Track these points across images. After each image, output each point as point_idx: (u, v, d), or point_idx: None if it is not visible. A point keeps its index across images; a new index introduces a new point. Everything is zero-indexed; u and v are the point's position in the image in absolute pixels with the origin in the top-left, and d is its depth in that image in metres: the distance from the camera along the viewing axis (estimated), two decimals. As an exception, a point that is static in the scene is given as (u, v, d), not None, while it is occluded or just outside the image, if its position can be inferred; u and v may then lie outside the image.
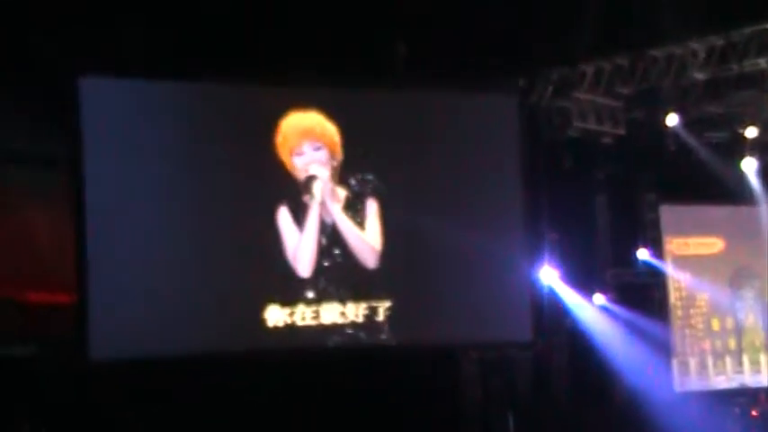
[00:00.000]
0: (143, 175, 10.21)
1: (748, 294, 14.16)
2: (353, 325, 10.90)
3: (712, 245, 13.99)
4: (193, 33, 10.36)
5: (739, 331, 14.07)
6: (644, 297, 13.31)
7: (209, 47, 10.37)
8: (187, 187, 10.40)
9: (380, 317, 10.97)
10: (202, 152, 10.44)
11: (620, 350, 12.58)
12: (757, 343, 14.09)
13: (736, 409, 13.25)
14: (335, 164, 10.85)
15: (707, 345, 13.83)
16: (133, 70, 10.25)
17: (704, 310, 13.89)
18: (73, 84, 9.90)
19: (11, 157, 9.95)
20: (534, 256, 12.00)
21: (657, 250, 13.48)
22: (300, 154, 10.77)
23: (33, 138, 9.96)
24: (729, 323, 14.05)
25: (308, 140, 10.81)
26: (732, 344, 14.00)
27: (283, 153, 10.73)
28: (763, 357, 14.02)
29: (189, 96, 10.62)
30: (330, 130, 10.87)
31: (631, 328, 12.79)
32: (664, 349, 13.19)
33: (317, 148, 10.82)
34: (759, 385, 13.81)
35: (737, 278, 14.11)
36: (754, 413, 13.24)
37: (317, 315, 10.76)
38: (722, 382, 13.76)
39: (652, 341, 12.91)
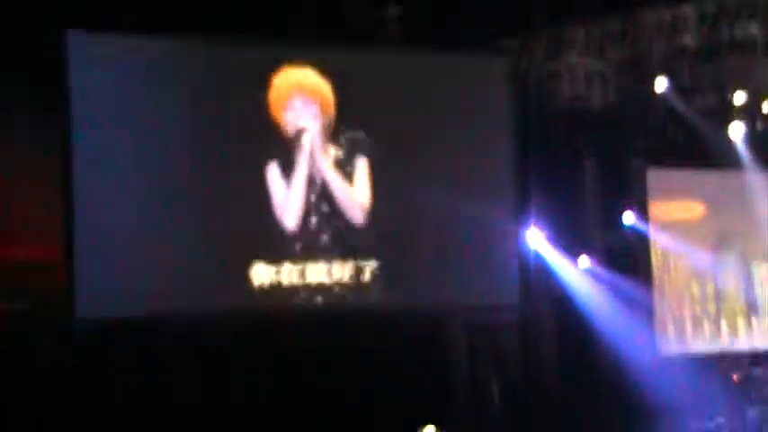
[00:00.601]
0: (130, 132, 10.13)
1: (730, 259, 14.20)
2: (340, 284, 10.90)
3: (692, 209, 13.99)
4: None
5: (719, 297, 14.13)
6: (629, 261, 13.33)
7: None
8: (175, 144, 10.34)
9: (367, 277, 10.98)
10: (192, 109, 10.38)
11: (605, 314, 12.63)
12: (737, 308, 14.17)
13: (718, 374, 13.33)
14: (327, 121, 10.82)
15: (686, 310, 13.88)
16: (120, 25, 10.15)
17: (684, 274, 13.91)
18: (61, 37, 9.81)
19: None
20: (521, 219, 12.01)
21: (643, 215, 13.49)
22: (292, 108, 10.72)
23: (20, 93, 9.84)
24: (710, 288, 14.09)
25: (299, 95, 10.76)
26: (711, 309, 14.04)
27: (275, 108, 10.68)
28: (741, 322, 14.09)
29: (178, 52, 10.52)
30: (323, 86, 10.81)
31: (616, 291, 12.83)
32: (648, 313, 13.25)
33: (308, 104, 10.77)
34: (741, 350, 13.90)
35: (719, 243, 14.14)
36: (735, 378, 13.32)
37: (302, 274, 10.75)
38: (700, 347, 13.81)
39: (637, 305, 12.97)
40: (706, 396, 12.77)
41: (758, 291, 14.25)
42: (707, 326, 13.93)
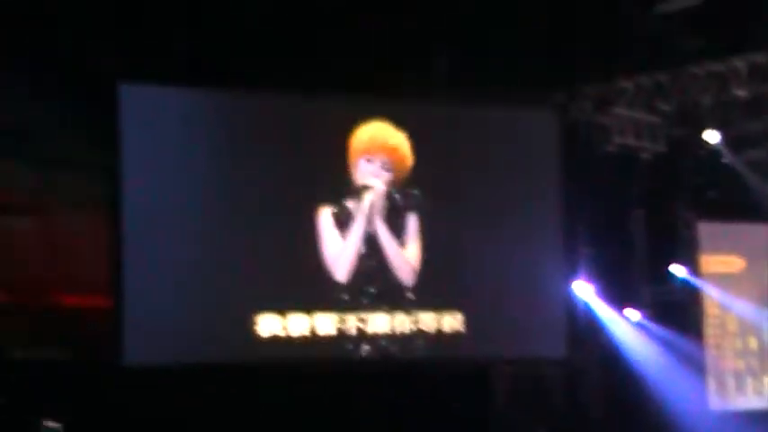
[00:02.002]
0: (181, 182, 10.22)
1: None
2: (386, 336, 10.87)
3: (736, 263, 13.81)
4: (241, 40, 10.36)
5: (764, 352, 13.92)
6: (679, 314, 13.19)
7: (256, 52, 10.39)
8: (226, 193, 10.40)
9: (414, 330, 10.94)
10: (249, 159, 10.43)
11: (654, 367, 12.49)
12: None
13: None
14: (393, 186, 10.89)
15: (731, 365, 13.67)
16: (176, 78, 10.26)
17: (732, 329, 13.73)
18: (114, 90, 9.93)
19: (51, 162, 9.95)
20: (570, 271, 11.94)
21: (693, 267, 13.36)
22: (371, 162, 10.81)
23: (73, 143, 9.96)
24: (753, 343, 13.89)
25: (385, 157, 10.85)
26: (755, 365, 13.84)
27: (355, 152, 10.77)
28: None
29: (238, 102, 10.64)
30: (409, 160, 10.94)
31: (666, 345, 12.70)
32: (698, 368, 13.08)
33: (388, 169, 10.87)
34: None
35: (765, 298, 13.95)
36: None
37: (347, 324, 10.73)
38: (749, 403, 13.59)
39: (687, 360, 12.82)
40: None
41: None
42: (750, 382, 13.73)
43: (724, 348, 13.65)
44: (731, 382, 13.56)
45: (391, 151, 10.92)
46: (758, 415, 13.36)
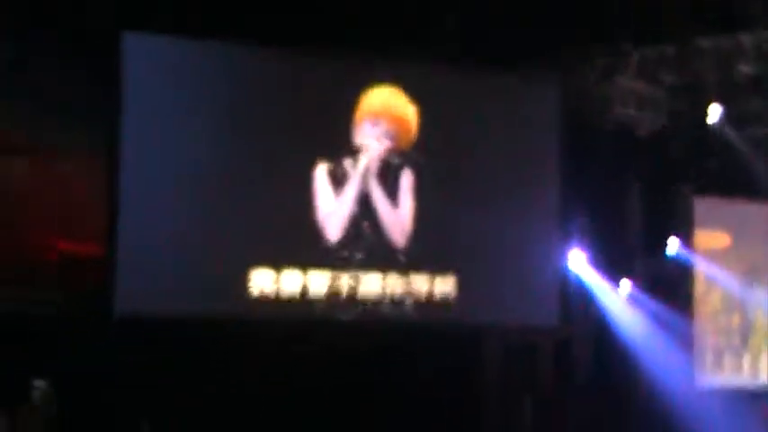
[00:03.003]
0: (180, 133, 10.18)
1: (761, 293, 14.02)
2: (376, 297, 10.87)
3: (719, 239, 13.79)
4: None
5: (746, 330, 13.96)
6: (671, 289, 13.22)
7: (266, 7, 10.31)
8: (226, 146, 10.37)
9: (404, 292, 10.94)
10: (249, 113, 10.41)
11: (642, 340, 12.53)
12: (763, 343, 13.98)
13: (759, 409, 13.19)
14: (399, 145, 10.86)
15: (712, 340, 13.69)
16: (183, 29, 10.17)
17: (716, 306, 13.73)
18: (118, 38, 9.88)
19: (50, 109, 9.89)
20: (565, 240, 11.93)
21: (688, 243, 13.37)
22: (376, 125, 10.78)
23: (74, 91, 9.89)
24: (736, 320, 13.88)
25: (391, 125, 10.81)
26: (737, 342, 13.84)
27: (361, 113, 10.74)
28: (764, 358, 13.92)
29: (243, 57, 10.58)
30: (414, 132, 10.89)
31: (656, 318, 12.73)
32: (687, 343, 13.13)
33: (391, 137, 10.83)
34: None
35: (751, 275, 13.96)
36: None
37: (338, 284, 10.73)
38: (719, 380, 13.64)
39: (675, 334, 12.86)
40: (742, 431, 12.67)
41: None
42: (728, 359, 13.76)
43: (707, 324, 13.68)
44: (710, 358, 13.59)
45: (398, 120, 10.88)
46: (739, 393, 13.44)
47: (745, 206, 13.80)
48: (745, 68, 11.58)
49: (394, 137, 10.88)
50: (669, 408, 12.16)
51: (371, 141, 10.77)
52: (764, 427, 12.98)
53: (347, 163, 10.71)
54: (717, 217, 13.75)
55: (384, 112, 10.86)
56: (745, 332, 13.90)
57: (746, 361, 13.80)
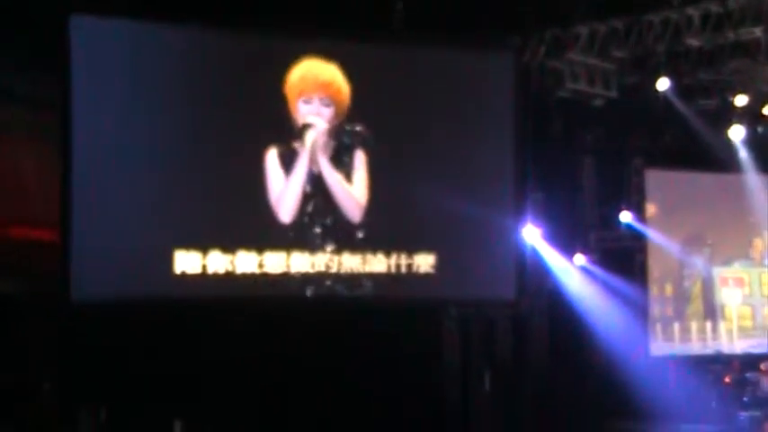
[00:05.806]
0: (131, 116, 10.13)
1: (698, 262, 14.17)
2: (333, 276, 10.88)
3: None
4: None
5: (685, 298, 14.11)
6: (625, 260, 13.36)
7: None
8: (176, 129, 10.34)
9: (361, 270, 10.97)
10: (197, 95, 10.39)
11: (598, 311, 12.66)
12: (702, 310, 14.15)
13: (710, 376, 13.38)
14: (337, 120, 10.84)
15: (655, 310, 13.82)
16: (126, 11, 10.13)
17: (655, 275, 13.87)
18: (64, 21, 9.79)
19: (1, 93, 9.82)
20: (520, 215, 12.01)
21: (640, 214, 13.51)
22: (309, 102, 10.74)
23: (23, 75, 9.83)
24: (669, 290, 14.02)
25: (321, 93, 10.77)
26: (673, 310, 13.99)
27: (292, 93, 10.69)
28: (708, 325, 14.08)
29: (187, 39, 10.51)
30: (346, 90, 10.83)
31: (611, 290, 12.87)
32: (642, 313, 13.28)
33: (327, 104, 10.79)
34: (735, 352, 13.91)
35: (689, 245, 14.10)
36: (726, 380, 13.37)
37: (291, 263, 10.74)
38: (692, 349, 13.81)
39: (630, 304, 13.00)
40: (697, 399, 12.83)
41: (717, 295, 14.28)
42: (677, 327, 13.90)
43: (658, 294, 13.82)
44: (658, 328, 13.74)
45: (326, 86, 10.81)
46: (700, 360, 13.62)
47: (679, 177, 13.91)
48: (693, 41, 11.67)
49: (330, 102, 10.79)
50: (624, 376, 12.31)
51: (313, 119, 10.72)
52: (712, 391, 13.17)
53: (297, 144, 10.71)
54: (686, 189, 13.87)
55: (309, 84, 10.75)
56: (683, 301, 14.04)
57: (677, 329, 13.93)
